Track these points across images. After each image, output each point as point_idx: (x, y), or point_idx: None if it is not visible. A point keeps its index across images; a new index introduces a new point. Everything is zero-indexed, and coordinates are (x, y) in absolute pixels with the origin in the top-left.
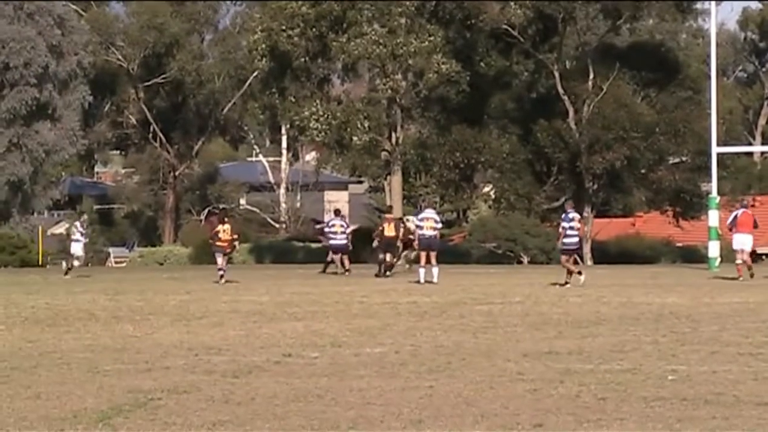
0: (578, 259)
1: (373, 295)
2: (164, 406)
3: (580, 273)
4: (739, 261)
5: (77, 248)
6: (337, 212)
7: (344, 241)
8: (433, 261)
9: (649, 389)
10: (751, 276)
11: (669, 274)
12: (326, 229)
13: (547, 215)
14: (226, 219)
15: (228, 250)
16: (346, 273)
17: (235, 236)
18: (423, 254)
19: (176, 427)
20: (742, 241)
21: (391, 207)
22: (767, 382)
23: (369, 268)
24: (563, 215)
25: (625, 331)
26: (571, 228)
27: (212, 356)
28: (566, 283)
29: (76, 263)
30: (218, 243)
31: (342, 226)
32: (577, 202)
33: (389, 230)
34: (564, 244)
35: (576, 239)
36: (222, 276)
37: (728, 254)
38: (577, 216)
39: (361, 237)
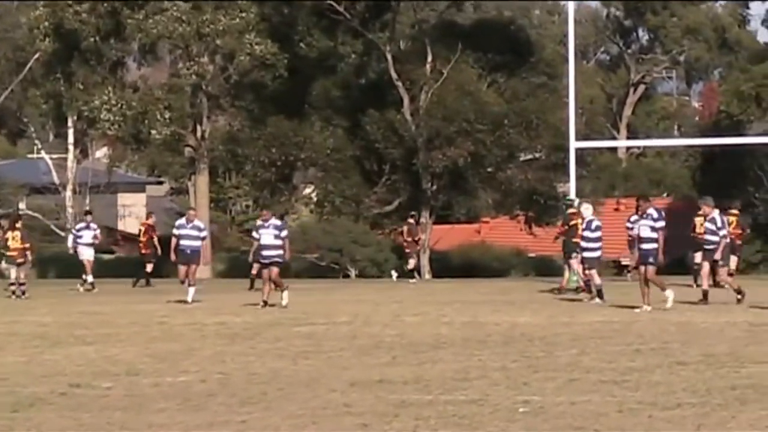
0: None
1: (175, 314)
2: None
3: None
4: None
5: None
6: (87, 213)
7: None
8: (192, 277)
9: (498, 423)
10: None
11: (520, 289)
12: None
13: (379, 221)
14: (17, 225)
15: (20, 260)
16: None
17: (27, 245)
18: (183, 269)
19: None
20: None
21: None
22: (633, 413)
23: (170, 283)
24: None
25: (470, 356)
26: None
27: None
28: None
29: None
30: (9, 253)
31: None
32: (414, 206)
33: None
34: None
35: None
36: (22, 291)
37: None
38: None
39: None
